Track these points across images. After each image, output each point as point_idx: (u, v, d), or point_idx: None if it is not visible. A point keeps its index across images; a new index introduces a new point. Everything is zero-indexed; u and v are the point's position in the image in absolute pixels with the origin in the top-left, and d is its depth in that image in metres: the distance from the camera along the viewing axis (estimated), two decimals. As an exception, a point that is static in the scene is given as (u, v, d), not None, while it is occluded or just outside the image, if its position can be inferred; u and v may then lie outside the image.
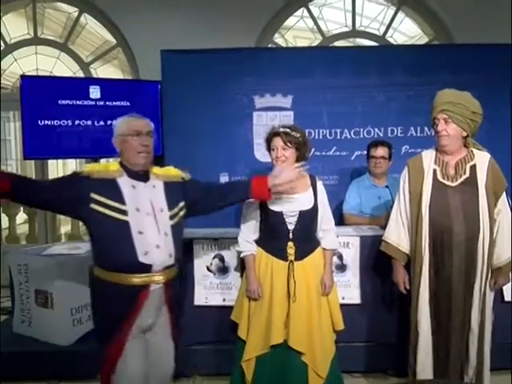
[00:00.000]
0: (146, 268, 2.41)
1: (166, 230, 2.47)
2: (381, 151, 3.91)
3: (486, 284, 2.78)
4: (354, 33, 6.13)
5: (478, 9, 5.55)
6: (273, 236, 2.81)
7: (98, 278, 2.44)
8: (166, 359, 2.59)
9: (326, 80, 4.85)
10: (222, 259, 3.47)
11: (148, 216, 2.43)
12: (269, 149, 2.85)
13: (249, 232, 2.85)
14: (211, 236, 3.49)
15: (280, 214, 2.76)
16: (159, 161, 5.17)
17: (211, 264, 3.47)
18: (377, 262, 3.35)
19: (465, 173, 2.78)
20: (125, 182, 2.46)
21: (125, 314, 2.40)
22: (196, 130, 4.85)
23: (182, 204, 2.59)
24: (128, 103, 4.98)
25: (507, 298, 3.47)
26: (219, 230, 3.56)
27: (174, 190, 2.58)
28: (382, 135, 4.78)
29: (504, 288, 3.43)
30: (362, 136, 4.82)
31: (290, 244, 2.77)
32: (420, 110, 4.62)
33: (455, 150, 2.81)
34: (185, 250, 3.44)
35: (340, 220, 4.06)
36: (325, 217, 2.87)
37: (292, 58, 4.94)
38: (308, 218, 2.80)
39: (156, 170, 2.61)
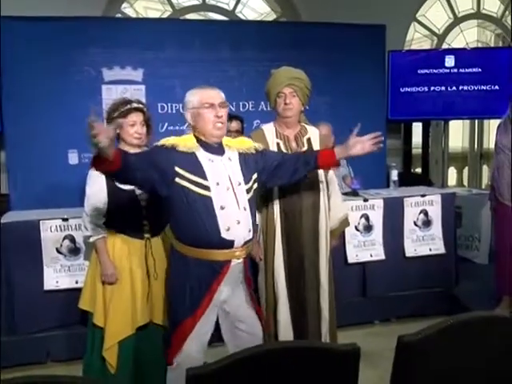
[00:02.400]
0: (229, 244, 2.36)
1: (245, 204, 2.41)
2: (234, 125, 3.98)
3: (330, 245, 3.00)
4: (205, 6, 6.10)
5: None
6: (125, 215, 2.70)
7: (179, 253, 2.40)
8: (250, 322, 2.52)
9: (178, 53, 4.80)
10: (72, 240, 3.32)
11: (228, 191, 2.38)
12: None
13: (97, 214, 2.70)
14: (60, 216, 3.32)
15: (132, 192, 2.67)
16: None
17: (61, 245, 3.31)
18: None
19: (303, 145, 2.95)
20: (202, 157, 2.38)
21: (206, 289, 2.36)
22: (40, 104, 4.53)
23: (255, 176, 2.50)
24: (-40, 73, 4.50)
25: (350, 260, 3.76)
26: (68, 210, 3.39)
27: (248, 162, 2.49)
28: (234, 109, 4.85)
29: (347, 251, 3.72)
30: (214, 110, 4.85)
31: (145, 222, 2.70)
32: (270, 86, 4.77)
33: (295, 123, 2.96)
34: (32, 232, 3.29)
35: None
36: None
37: (142, 29, 4.80)
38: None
39: (228, 141, 2.50)
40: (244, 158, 2.49)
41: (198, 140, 2.41)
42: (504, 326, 1.71)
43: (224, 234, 2.34)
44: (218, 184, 2.35)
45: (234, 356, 1.36)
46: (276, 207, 2.89)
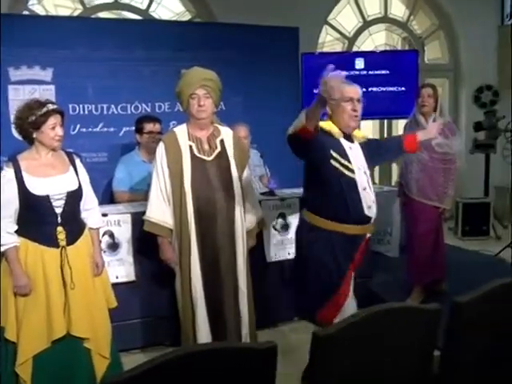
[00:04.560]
0: (368, 220, 2.77)
1: (372, 186, 2.81)
2: (157, 126, 3.96)
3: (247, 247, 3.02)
4: (117, 5, 5.97)
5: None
6: (39, 222, 2.59)
7: (321, 230, 2.71)
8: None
9: (90, 53, 4.65)
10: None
11: (364, 174, 2.77)
12: (37, 126, 2.56)
13: (8, 221, 2.55)
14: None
15: (46, 198, 2.56)
16: None
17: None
18: (150, 237, 3.36)
19: (217, 147, 2.95)
20: (345, 143, 2.76)
21: (350, 260, 2.75)
22: None
23: None
24: None
25: (270, 259, 3.80)
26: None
27: (364, 151, 2.83)
28: (149, 110, 4.79)
29: (266, 251, 3.77)
30: (129, 112, 4.76)
31: (60, 229, 2.60)
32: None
33: (208, 124, 2.97)
34: None
35: (111, 198, 3.99)
36: (88, 195, 2.76)
37: (52, 27, 4.61)
38: (75, 199, 2.67)
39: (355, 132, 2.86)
40: (362, 147, 2.84)
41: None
42: (414, 315, 1.79)
43: (366, 212, 2.74)
44: (359, 168, 2.73)
45: (150, 362, 1.34)
46: (190, 210, 2.87)
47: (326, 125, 2.75)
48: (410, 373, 1.80)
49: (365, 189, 2.74)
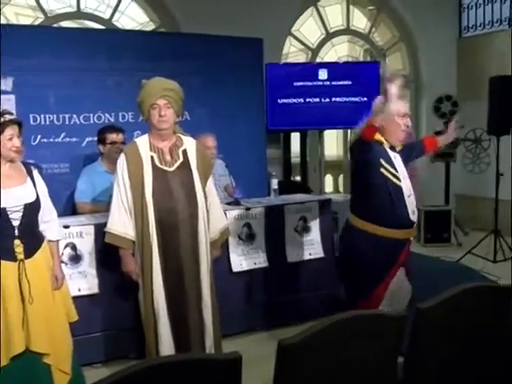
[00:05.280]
0: (412, 224, 2.95)
1: (413, 193, 2.97)
2: (121, 137, 3.92)
3: (210, 257, 3.01)
4: (80, 14, 5.90)
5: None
6: None
7: (368, 234, 2.90)
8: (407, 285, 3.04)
9: (52, 62, 4.55)
10: None
11: (408, 182, 2.95)
12: None
13: None
14: None
15: (3, 211, 2.50)
16: None
17: None
18: (113, 249, 3.31)
19: (179, 157, 2.94)
20: (391, 153, 2.93)
21: (394, 260, 2.93)
22: None
23: None
24: None
25: (235, 269, 3.78)
26: None
27: (402, 157, 3.01)
28: (113, 120, 4.73)
29: (232, 260, 3.75)
30: (92, 122, 4.68)
31: (17, 242, 2.53)
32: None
33: (170, 135, 2.95)
34: None
35: (74, 209, 3.92)
36: (46, 207, 2.69)
37: (12, 36, 4.49)
38: (33, 211, 2.61)
39: None
40: (400, 155, 3.01)
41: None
42: (379, 322, 1.81)
43: (411, 217, 2.92)
44: (403, 176, 2.92)
45: (113, 376, 1.31)
46: (151, 221, 2.84)
47: (377, 135, 2.91)
48: (375, 379, 1.81)
49: (409, 196, 2.93)
